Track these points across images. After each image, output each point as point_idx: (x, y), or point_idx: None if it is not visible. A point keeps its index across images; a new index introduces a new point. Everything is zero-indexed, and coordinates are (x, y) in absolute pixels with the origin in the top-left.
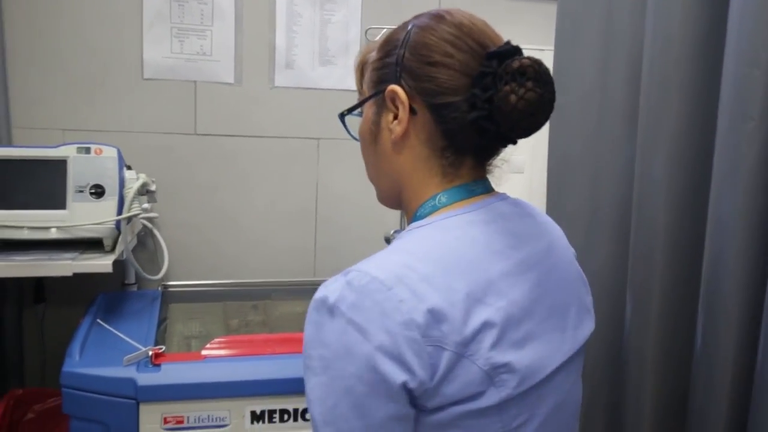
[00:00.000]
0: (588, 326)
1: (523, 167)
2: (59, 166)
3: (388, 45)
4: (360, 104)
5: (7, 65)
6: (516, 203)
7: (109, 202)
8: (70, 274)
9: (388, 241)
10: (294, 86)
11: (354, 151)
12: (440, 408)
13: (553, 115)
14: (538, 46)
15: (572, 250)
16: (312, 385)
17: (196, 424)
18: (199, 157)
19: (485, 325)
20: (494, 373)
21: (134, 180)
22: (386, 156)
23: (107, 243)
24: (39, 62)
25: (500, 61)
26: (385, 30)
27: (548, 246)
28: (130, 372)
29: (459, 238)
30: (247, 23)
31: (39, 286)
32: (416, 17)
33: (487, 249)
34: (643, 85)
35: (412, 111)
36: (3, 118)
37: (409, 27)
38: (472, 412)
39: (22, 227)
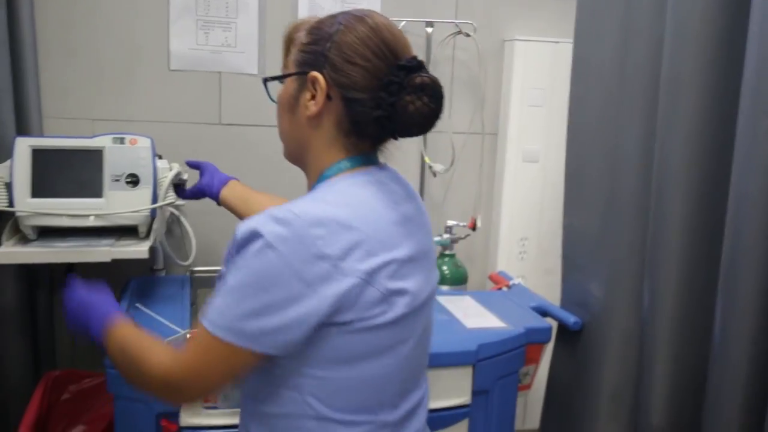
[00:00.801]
0: (437, 273)
1: (537, 157)
2: (95, 155)
3: (317, 33)
4: (285, 76)
5: (39, 57)
6: (394, 174)
7: (144, 191)
8: (109, 260)
9: None
10: None
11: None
12: (347, 323)
13: (572, 106)
14: (554, 39)
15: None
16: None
17: None
18: (224, 146)
19: (387, 260)
20: (390, 298)
21: (167, 169)
22: (299, 126)
23: (142, 230)
24: (69, 54)
25: (407, 73)
26: (403, 22)
27: (417, 207)
28: None
29: (363, 193)
30: (270, 15)
31: (69, 271)
32: (345, 14)
33: (382, 202)
34: (663, 77)
35: (328, 97)
36: (35, 108)
37: (338, 24)
38: (372, 327)
39: (61, 215)
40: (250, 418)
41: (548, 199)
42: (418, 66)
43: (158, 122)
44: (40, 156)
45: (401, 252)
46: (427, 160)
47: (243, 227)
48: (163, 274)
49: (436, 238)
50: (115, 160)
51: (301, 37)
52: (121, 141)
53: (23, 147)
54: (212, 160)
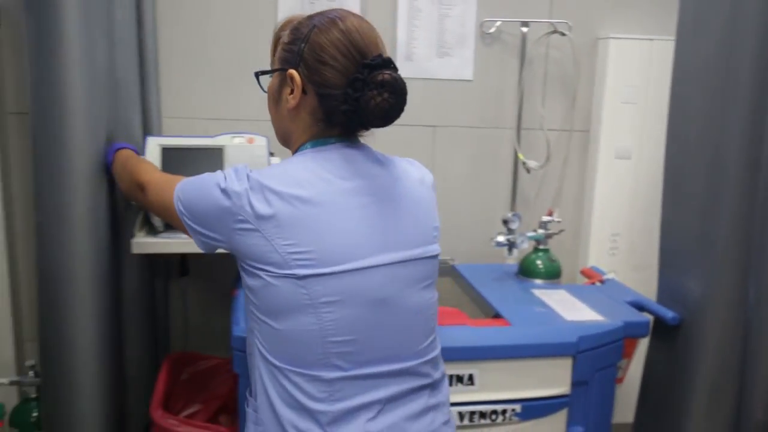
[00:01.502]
0: (423, 249)
1: (630, 153)
2: (217, 153)
3: (295, 34)
4: (269, 72)
5: (159, 61)
6: (372, 152)
7: None
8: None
9: (505, 222)
10: (413, 77)
11: (468, 138)
12: (253, 270)
13: (672, 104)
14: (648, 36)
15: (427, 198)
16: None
17: None
18: None
19: (309, 225)
20: (287, 256)
21: None
22: (282, 116)
23: None
24: (185, 58)
25: (370, 71)
26: (499, 22)
27: (388, 185)
28: None
29: (300, 168)
30: (371, 18)
31: (183, 261)
32: (320, 15)
33: (314, 175)
34: None
35: (303, 92)
36: (155, 109)
37: (312, 26)
38: (280, 287)
39: None
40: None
41: (640, 195)
42: (383, 64)
43: (264, 121)
44: (168, 154)
45: (320, 220)
46: (520, 156)
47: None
48: None
49: (530, 234)
50: (235, 158)
51: (284, 36)
52: (241, 139)
53: (153, 146)
54: None
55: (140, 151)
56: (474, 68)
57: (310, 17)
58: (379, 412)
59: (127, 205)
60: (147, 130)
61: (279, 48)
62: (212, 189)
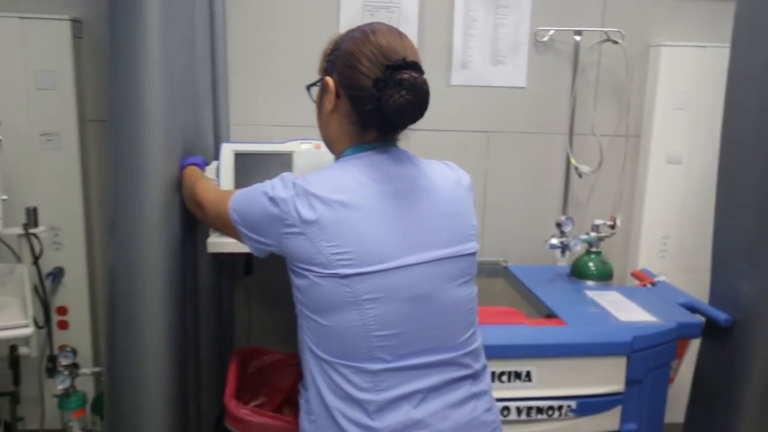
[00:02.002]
0: (460, 247)
1: (680, 158)
2: (286, 158)
3: (331, 46)
4: (316, 83)
5: (228, 71)
6: (410, 156)
7: None
8: None
9: (559, 225)
10: (468, 84)
11: (520, 143)
12: (302, 272)
13: (727, 111)
14: (700, 43)
15: (464, 198)
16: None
17: None
18: None
19: (351, 228)
20: (331, 257)
21: None
22: (324, 122)
23: None
24: (252, 67)
25: (392, 72)
26: (552, 31)
27: (424, 187)
28: None
29: (342, 174)
30: (429, 28)
31: (248, 261)
32: (355, 28)
33: (355, 180)
34: None
35: (338, 96)
36: (224, 116)
37: (345, 37)
38: (326, 286)
39: None
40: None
41: (690, 199)
42: (405, 66)
43: None
44: (240, 159)
45: (361, 225)
46: (573, 161)
47: None
48: None
49: (583, 236)
50: (303, 163)
51: (326, 49)
52: (307, 146)
53: (227, 151)
54: None
55: (212, 156)
56: (527, 76)
57: (347, 31)
58: (422, 401)
59: None
60: (216, 137)
61: (322, 60)
62: (261, 198)
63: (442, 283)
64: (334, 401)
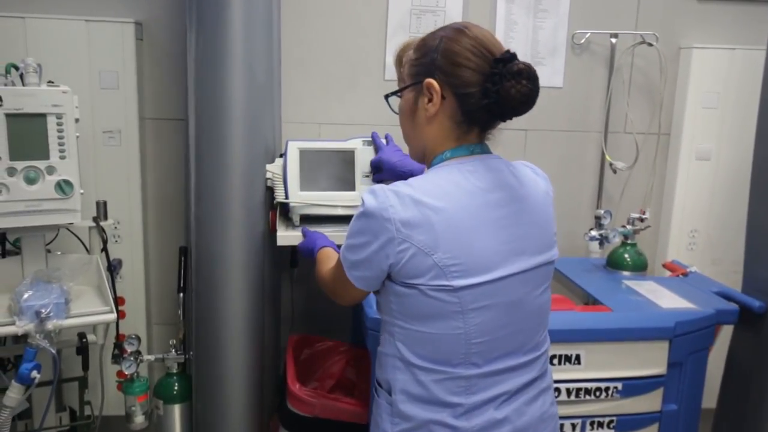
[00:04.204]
0: (547, 255)
1: (709, 155)
2: (349, 155)
3: (422, 49)
4: (403, 89)
5: (282, 71)
6: (508, 164)
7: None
8: None
9: (597, 218)
10: None
11: (557, 141)
12: (412, 285)
13: (762, 110)
14: (729, 45)
15: (549, 207)
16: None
17: None
18: None
19: (457, 236)
20: (446, 269)
21: None
22: (420, 126)
23: None
24: (303, 67)
25: (504, 64)
26: (588, 33)
27: (523, 196)
28: None
29: (446, 180)
30: None
31: (293, 253)
32: (442, 29)
33: (458, 188)
34: None
35: (442, 97)
36: (277, 114)
37: (440, 38)
38: (436, 296)
39: (324, 205)
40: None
41: (718, 193)
42: (513, 57)
43: (372, 125)
44: (305, 155)
45: (468, 233)
46: (608, 158)
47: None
48: None
49: (620, 229)
50: (364, 159)
51: (410, 55)
52: (369, 143)
53: (293, 148)
54: None
55: (273, 154)
56: (564, 76)
57: (433, 33)
58: (504, 401)
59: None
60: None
61: (406, 67)
62: (364, 233)
63: (532, 290)
64: (421, 405)
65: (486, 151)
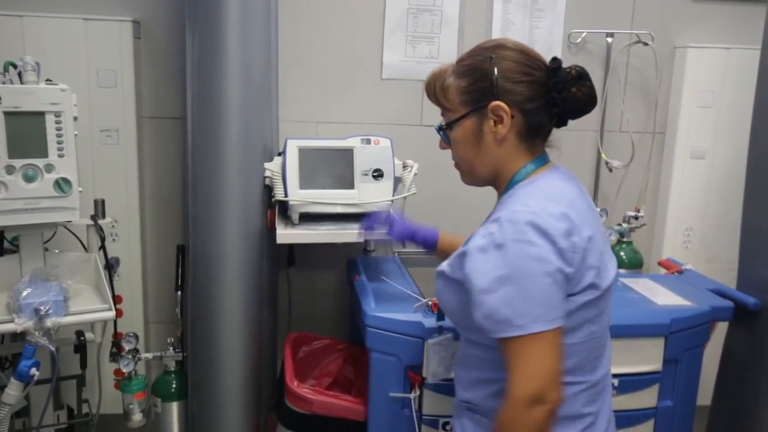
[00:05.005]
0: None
1: (704, 153)
2: (348, 154)
3: (474, 74)
4: (463, 116)
5: (280, 70)
6: (565, 169)
7: (387, 183)
8: (362, 240)
9: None
10: None
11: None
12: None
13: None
14: (724, 45)
15: None
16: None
17: None
18: (424, 144)
19: (590, 239)
20: (599, 271)
21: (400, 165)
22: (490, 150)
23: None
24: (300, 66)
25: (556, 71)
26: (585, 33)
27: (588, 195)
28: (417, 317)
29: (560, 186)
30: (468, 30)
31: (291, 252)
32: (480, 51)
33: (573, 191)
34: None
35: (511, 116)
36: (274, 114)
37: (488, 58)
38: (586, 302)
39: (324, 203)
40: (472, 387)
41: (713, 192)
42: (560, 63)
43: (370, 124)
44: (304, 154)
45: (591, 232)
46: (604, 156)
47: None
48: (373, 254)
49: (616, 227)
50: (363, 158)
51: (457, 82)
52: (368, 141)
53: (292, 147)
54: (413, 157)
55: (271, 152)
56: None
57: (475, 55)
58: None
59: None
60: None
61: (456, 95)
62: (540, 275)
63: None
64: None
65: (548, 158)
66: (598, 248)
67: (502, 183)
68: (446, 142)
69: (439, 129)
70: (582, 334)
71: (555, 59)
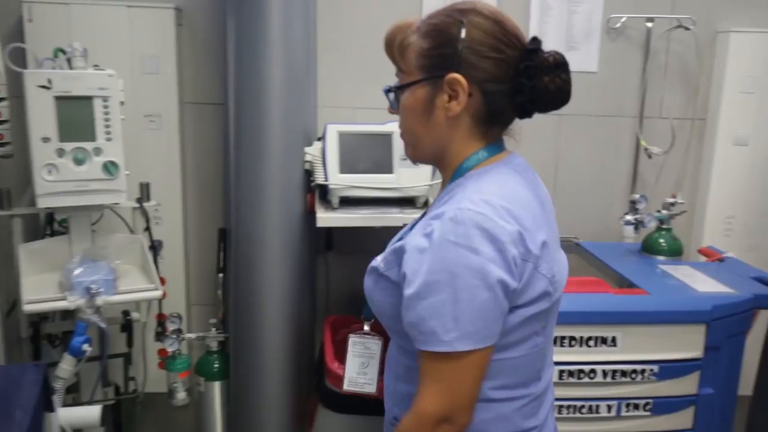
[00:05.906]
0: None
1: (746, 140)
2: (386, 138)
3: (439, 37)
4: (416, 82)
5: (318, 56)
6: (523, 160)
7: (425, 168)
8: (402, 224)
9: (633, 203)
10: None
11: (591, 126)
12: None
13: None
14: (766, 29)
15: None
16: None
17: None
18: None
19: (544, 245)
20: (552, 281)
21: None
22: (438, 127)
23: (420, 201)
24: (338, 52)
25: (533, 54)
26: (624, 18)
27: (545, 192)
28: None
29: (513, 182)
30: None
31: (329, 236)
32: (455, 11)
33: (526, 190)
34: None
35: (468, 94)
36: (314, 99)
37: (458, 22)
38: (535, 314)
39: (364, 187)
40: (403, 403)
41: (756, 179)
42: (539, 45)
43: None
44: (344, 138)
45: (544, 237)
46: (643, 143)
47: None
48: None
49: (656, 214)
50: (402, 142)
51: (418, 42)
52: None
53: (332, 132)
54: None
55: (310, 137)
56: (599, 61)
57: (444, 16)
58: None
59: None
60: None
61: (414, 56)
62: (478, 288)
63: None
64: None
65: (504, 146)
66: (551, 255)
67: (449, 168)
68: (394, 108)
69: (388, 91)
70: (527, 346)
71: (535, 39)
